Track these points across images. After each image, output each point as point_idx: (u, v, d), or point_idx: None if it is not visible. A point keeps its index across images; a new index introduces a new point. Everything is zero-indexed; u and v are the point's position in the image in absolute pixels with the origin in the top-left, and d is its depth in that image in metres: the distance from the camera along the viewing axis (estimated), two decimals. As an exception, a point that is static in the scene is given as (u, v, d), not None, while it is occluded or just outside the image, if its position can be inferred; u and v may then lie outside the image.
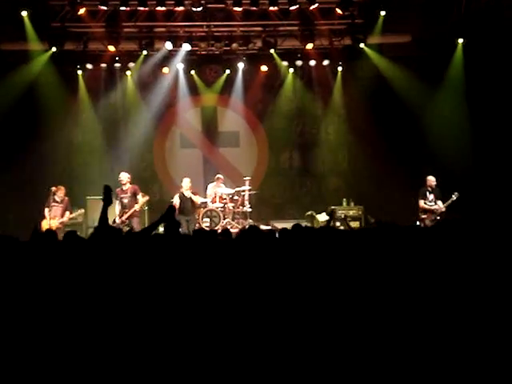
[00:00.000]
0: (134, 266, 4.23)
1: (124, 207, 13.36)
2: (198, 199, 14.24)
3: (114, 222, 13.07)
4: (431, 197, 13.48)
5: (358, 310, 3.95)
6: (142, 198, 13.50)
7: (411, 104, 15.47)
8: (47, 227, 12.46)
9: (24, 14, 14.19)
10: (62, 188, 13.30)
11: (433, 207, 13.40)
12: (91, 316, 3.82)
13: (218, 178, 15.36)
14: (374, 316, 3.90)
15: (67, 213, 13.32)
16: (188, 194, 14.08)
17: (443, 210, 13.30)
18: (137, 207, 13.36)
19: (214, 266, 4.39)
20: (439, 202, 13.40)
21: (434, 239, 4.85)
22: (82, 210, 14.10)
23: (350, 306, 3.99)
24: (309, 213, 15.44)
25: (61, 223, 13.12)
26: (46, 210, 13.12)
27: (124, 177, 13.52)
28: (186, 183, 14.18)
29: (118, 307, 3.87)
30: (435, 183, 13.54)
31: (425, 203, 13.44)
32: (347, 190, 16.36)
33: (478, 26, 14.67)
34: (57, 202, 13.22)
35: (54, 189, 13.16)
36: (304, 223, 12.63)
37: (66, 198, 13.35)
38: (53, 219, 13.04)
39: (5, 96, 14.75)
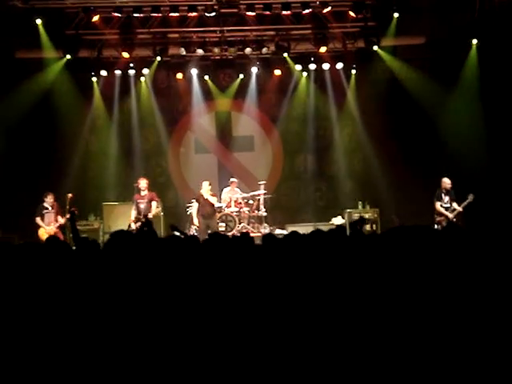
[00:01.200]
0: (139, 270, 4.24)
1: (139, 213, 13.43)
2: (214, 201, 14.21)
3: (130, 227, 13.14)
4: (446, 199, 13.39)
5: (365, 315, 3.94)
6: (155, 208, 13.59)
7: (426, 106, 15.42)
8: (46, 235, 12.58)
9: (38, 22, 14.29)
10: (51, 194, 13.31)
11: (449, 209, 13.32)
12: (96, 320, 3.84)
13: (233, 181, 15.40)
14: (381, 321, 3.89)
15: (59, 217, 13.24)
16: (207, 196, 14.08)
17: (460, 210, 13.21)
18: (150, 215, 13.39)
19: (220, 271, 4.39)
20: (454, 204, 13.33)
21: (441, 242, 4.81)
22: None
23: (359, 310, 3.98)
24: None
25: (58, 227, 13.15)
26: (38, 219, 13.16)
27: (143, 183, 13.65)
28: (205, 186, 14.18)
29: (120, 311, 3.88)
30: (450, 185, 13.46)
31: (441, 205, 13.37)
32: (362, 192, 16.30)
33: (492, 27, 14.61)
34: (47, 208, 13.25)
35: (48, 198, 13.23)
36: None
37: (56, 203, 13.33)
38: (48, 226, 13.09)
39: (20, 104, 14.85)
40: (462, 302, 3.88)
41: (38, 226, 13.13)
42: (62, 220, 13.21)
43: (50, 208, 13.26)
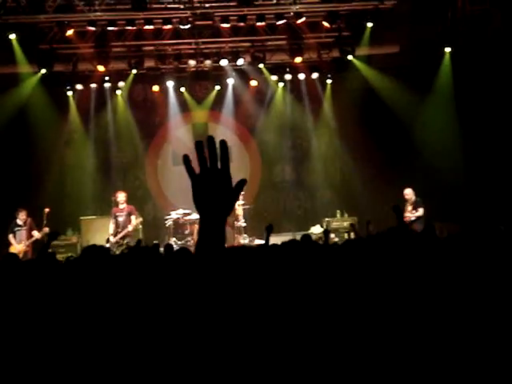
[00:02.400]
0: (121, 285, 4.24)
1: (118, 226, 13.38)
2: (240, 213, 14.26)
3: (108, 241, 13.08)
4: (409, 208, 13.35)
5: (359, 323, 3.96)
6: (135, 220, 13.55)
7: (401, 114, 15.53)
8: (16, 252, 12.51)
9: (12, 36, 14.21)
10: (23, 210, 13.17)
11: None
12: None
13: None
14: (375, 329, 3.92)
15: (35, 232, 13.10)
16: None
17: (412, 218, 13.10)
18: (130, 228, 13.37)
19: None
20: (420, 210, 13.23)
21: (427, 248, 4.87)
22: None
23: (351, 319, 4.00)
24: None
25: (30, 244, 12.99)
26: (10, 236, 13.05)
27: (121, 196, 13.60)
28: None
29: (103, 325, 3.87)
30: (409, 196, 13.41)
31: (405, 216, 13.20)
32: (340, 201, 16.38)
33: (465, 35, 14.78)
34: (20, 225, 13.13)
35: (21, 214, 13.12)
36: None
37: (29, 219, 13.18)
38: (19, 243, 12.98)
39: (-4, 119, 14.77)
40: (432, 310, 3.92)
41: (10, 244, 13.01)
42: (37, 234, 13.05)
43: (22, 225, 13.12)
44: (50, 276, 4.19)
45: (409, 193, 13.54)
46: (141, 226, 14.76)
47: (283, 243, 5.39)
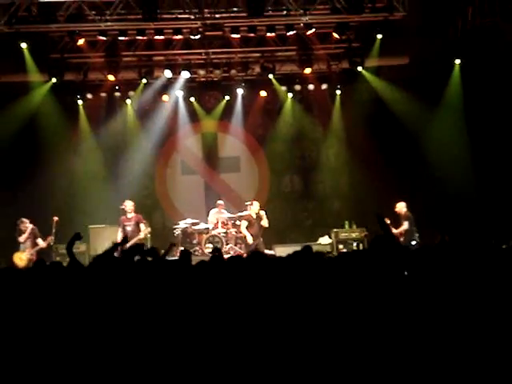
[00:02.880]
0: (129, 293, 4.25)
1: (126, 235, 13.35)
2: (266, 222, 14.10)
3: (117, 249, 13.05)
4: (406, 223, 13.33)
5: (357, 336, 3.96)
6: (144, 229, 13.56)
7: (410, 125, 15.51)
8: (22, 260, 12.56)
9: (23, 45, 14.31)
10: (25, 220, 13.18)
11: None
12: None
13: (219, 204, 15.38)
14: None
15: (40, 240, 13.14)
16: (259, 215, 14.03)
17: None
18: (141, 235, 13.39)
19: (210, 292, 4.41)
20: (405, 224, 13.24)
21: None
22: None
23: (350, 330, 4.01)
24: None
25: (32, 254, 12.96)
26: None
27: (129, 205, 13.59)
28: (256, 206, 14.16)
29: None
30: (398, 210, 13.49)
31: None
32: (349, 212, 16.34)
33: (475, 47, 14.77)
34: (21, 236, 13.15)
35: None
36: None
37: (31, 227, 13.19)
38: (23, 252, 13.00)
39: (6, 127, 14.83)
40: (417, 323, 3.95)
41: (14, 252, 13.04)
42: (42, 243, 13.11)
43: (25, 235, 13.11)
44: (59, 282, 4.22)
45: (398, 207, 13.54)
46: (149, 236, 14.76)
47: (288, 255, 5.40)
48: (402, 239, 12.85)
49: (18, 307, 4.09)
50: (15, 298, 4.26)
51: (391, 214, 14.85)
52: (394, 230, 12.97)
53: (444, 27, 15.02)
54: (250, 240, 13.90)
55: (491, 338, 3.83)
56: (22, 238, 13.08)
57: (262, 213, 14.07)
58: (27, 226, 13.16)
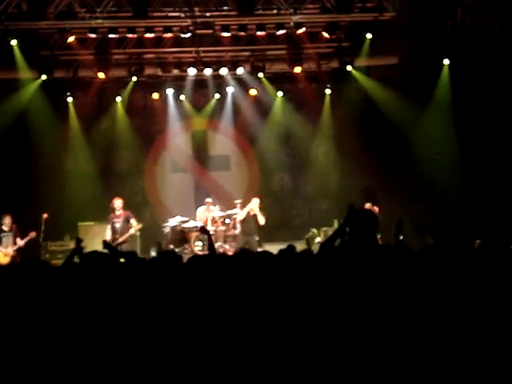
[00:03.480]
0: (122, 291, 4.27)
1: (115, 232, 13.36)
2: (262, 220, 14.26)
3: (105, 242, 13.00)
4: None
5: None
6: (136, 225, 13.56)
7: (399, 125, 15.56)
8: (5, 258, 12.52)
9: (13, 42, 14.26)
10: (7, 216, 13.11)
11: None
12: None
13: (207, 201, 15.40)
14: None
15: (18, 240, 13.03)
16: (256, 212, 14.20)
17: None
18: (132, 231, 13.38)
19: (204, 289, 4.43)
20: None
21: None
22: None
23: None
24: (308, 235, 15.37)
25: (15, 251, 12.90)
26: None
27: (117, 203, 13.56)
28: (255, 202, 14.28)
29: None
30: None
31: None
32: (338, 211, 16.33)
33: (463, 47, 14.84)
34: (5, 231, 13.07)
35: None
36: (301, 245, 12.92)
37: (14, 225, 13.12)
38: (6, 249, 12.94)
39: (-5, 125, 14.80)
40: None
41: None
42: (21, 242, 13.00)
43: (7, 230, 13.05)
44: (48, 281, 4.22)
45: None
46: (139, 233, 14.75)
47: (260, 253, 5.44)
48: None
49: (9, 305, 4.10)
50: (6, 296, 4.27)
51: (382, 212, 15.01)
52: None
53: (433, 27, 15.06)
54: (262, 221, 14.18)
55: (492, 338, 3.88)
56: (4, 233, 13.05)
57: (257, 211, 14.18)
58: (8, 220, 13.08)
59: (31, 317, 3.97)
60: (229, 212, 15.31)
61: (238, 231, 15.15)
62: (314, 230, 15.44)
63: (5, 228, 13.10)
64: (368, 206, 13.30)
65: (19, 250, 12.99)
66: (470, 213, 14.64)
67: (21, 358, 3.74)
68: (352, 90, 16.10)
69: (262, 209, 14.52)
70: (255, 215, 14.21)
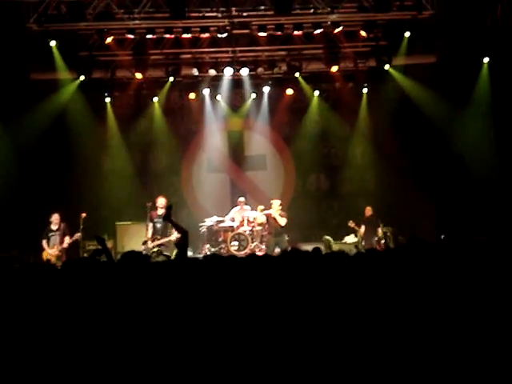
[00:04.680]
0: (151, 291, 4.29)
1: (156, 232, 13.36)
2: (282, 221, 14.38)
3: (145, 243, 13.08)
4: (363, 227, 15.13)
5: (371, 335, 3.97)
6: (176, 234, 13.56)
7: (437, 124, 15.39)
8: (47, 258, 12.65)
9: (52, 43, 14.44)
10: (56, 215, 13.24)
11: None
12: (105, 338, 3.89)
13: (240, 201, 15.41)
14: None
15: (66, 238, 13.16)
16: (275, 216, 14.36)
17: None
18: (173, 238, 13.18)
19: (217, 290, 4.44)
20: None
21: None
22: None
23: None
24: (326, 238, 15.44)
25: (60, 251, 13.01)
26: (44, 241, 13.12)
27: (161, 201, 13.52)
28: (275, 205, 14.38)
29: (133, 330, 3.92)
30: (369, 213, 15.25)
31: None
32: (375, 211, 16.23)
33: (504, 45, 14.61)
34: (53, 230, 13.20)
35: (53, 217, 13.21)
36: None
37: (63, 224, 13.23)
38: (52, 248, 13.05)
39: (35, 125, 14.96)
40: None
41: (43, 249, 13.12)
42: (65, 244, 13.10)
43: (55, 230, 13.21)
44: (92, 279, 4.27)
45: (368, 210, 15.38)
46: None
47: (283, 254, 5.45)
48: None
49: (50, 303, 4.14)
50: (45, 294, 4.31)
51: (419, 212, 14.89)
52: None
53: (472, 25, 14.86)
54: (282, 223, 14.34)
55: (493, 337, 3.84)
56: (53, 232, 13.20)
57: (276, 214, 14.32)
58: (58, 219, 13.24)
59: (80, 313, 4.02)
60: (265, 212, 15.23)
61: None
62: (328, 238, 15.49)
63: (53, 227, 13.24)
64: None
65: (64, 250, 13.09)
66: (508, 214, 14.40)
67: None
68: (389, 90, 15.96)
69: (284, 209, 14.71)
70: (275, 218, 14.30)
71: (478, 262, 4.65)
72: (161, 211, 13.42)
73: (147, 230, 13.37)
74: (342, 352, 3.84)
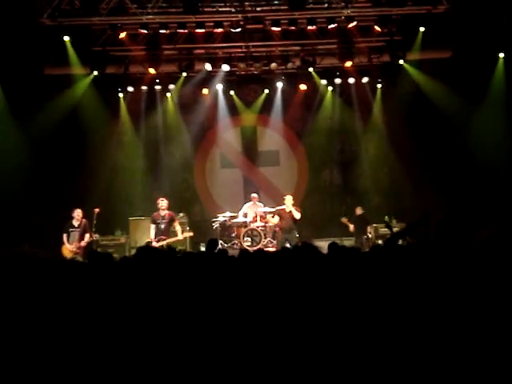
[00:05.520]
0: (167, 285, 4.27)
1: (160, 233, 13.35)
2: (297, 215, 14.28)
3: (149, 244, 13.06)
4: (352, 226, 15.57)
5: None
6: (186, 233, 13.57)
7: (452, 120, 15.30)
8: (68, 253, 12.66)
9: (66, 38, 14.46)
10: (79, 211, 13.20)
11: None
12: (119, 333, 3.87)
13: (254, 197, 15.39)
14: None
15: (87, 235, 13.14)
16: (290, 209, 14.24)
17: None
18: (180, 237, 13.28)
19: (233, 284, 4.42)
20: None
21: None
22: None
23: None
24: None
25: (78, 248, 12.94)
26: (64, 235, 13.07)
27: (163, 203, 13.55)
28: (288, 200, 14.32)
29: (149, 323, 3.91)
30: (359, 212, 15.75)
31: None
32: (389, 206, 16.17)
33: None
34: (74, 226, 13.17)
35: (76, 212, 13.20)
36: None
37: (84, 221, 13.19)
38: (71, 244, 13.02)
39: (49, 119, 14.97)
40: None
41: (63, 243, 13.13)
42: (83, 243, 13.05)
43: (76, 226, 13.17)
44: (106, 274, 4.26)
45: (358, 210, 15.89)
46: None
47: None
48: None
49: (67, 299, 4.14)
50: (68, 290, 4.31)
51: (434, 208, 14.76)
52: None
53: (488, 20, 14.74)
54: (297, 216, 14.20)
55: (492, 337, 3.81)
56: (73, 228, 13.20)
57: (291, 207, 14.18)
58: (80, 215, 13.24)
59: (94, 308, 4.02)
60: (278, 207, 15.20)
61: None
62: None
63: (74, 223, 13.19)
64: None
65: (82, 248, 13.00)
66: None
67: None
68: (404, 85, 15.89)
69: (296, 204, 14.55)
70: (290, 212, 14.19)
71: (476, 260, 4.63)
72: (163, 212, 13.43)
73: (151, 231, 13.41)
74: (352, 347, 3.82)
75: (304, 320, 4.01)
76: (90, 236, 13.24)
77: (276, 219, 14.52)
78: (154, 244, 13.06)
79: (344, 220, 15.57)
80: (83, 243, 13.07)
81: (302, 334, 3.90)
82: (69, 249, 12.92)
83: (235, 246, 14.54)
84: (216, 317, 4.05)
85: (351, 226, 15.54)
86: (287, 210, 14.29)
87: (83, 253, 12.75)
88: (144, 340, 3.76)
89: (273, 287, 4.40)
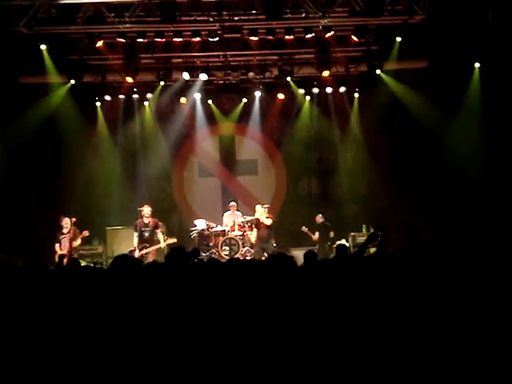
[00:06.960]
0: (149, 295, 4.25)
1: (144, 240, 13.30)
2: (268, 221, 14.39)
3: (133, 251, 13.01)
4: (317, 234, 15.46)
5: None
6: (162, 237, 13.47)
7: (429, 129, 15.41)
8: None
9: (43, 47, 14.36)
10: (66, 219, 13.11)
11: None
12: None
13: (232, 205, 15.39)
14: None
15: (78, 240, 13.11)
16: (262, 219, 14.38)
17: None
18: (162, 245, 13.24)
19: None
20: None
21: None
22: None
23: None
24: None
25: (67, 252, 12.81)
26: (57, 245, 12.99)
27: (147, 210, 13.51)
28: (259, 210, 14.55)
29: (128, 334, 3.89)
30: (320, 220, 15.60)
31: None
32: (366, 216, 16.27)
33: (495, 50, 14.63)
34: (64, 233, 13.11)
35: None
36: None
37: (73, 227, 13.08)
38: (62, 251, 12.90)
39: (25, 128, 14.88)
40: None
41: (55, 252, 12.95)
42: (75, 243, 13.03)
43: (65, 233, 13.07)
44: (81, 283, 4.23)
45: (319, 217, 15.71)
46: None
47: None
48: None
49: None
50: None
51: (411, 217, 14.88)
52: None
53: (463, 30, 14.88)
54: (268, 222, 14.41)
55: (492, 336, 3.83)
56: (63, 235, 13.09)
57: (261, 216, 14.35)
58: (68, 223, 13.10)
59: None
60: (250, 218, 15.13)
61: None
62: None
63: (64, 230, 13.10)
64: None
65: (70, 252, 12.88)
66: (499, 216, 14.42)
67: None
68: (381, 94, 15.96)
69: (273, 213, 14.98)
70: (261, 221, 14.28)
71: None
72: (147, 220, 13.38)
73: (134, 239, 13.33)
74: (338, 354, 3.81)
75: (275, 329, 4.00)
76: (81, 240, 13.20)
77: (254, 234, 14.52)
78: (137, 252, 12.99)
79: (304, 229, 15.51)
80: (74, 245, 12.98)
81: (276, 344, 3.89)
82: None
83: (213, 256, 14.50)
84: (190, 327, 4.04)
85: (316, 235, 15.46)
86: (260, 220, 14.35)
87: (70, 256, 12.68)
88: (124, 352, 3.74)
89: (246, 297, 4.38)
